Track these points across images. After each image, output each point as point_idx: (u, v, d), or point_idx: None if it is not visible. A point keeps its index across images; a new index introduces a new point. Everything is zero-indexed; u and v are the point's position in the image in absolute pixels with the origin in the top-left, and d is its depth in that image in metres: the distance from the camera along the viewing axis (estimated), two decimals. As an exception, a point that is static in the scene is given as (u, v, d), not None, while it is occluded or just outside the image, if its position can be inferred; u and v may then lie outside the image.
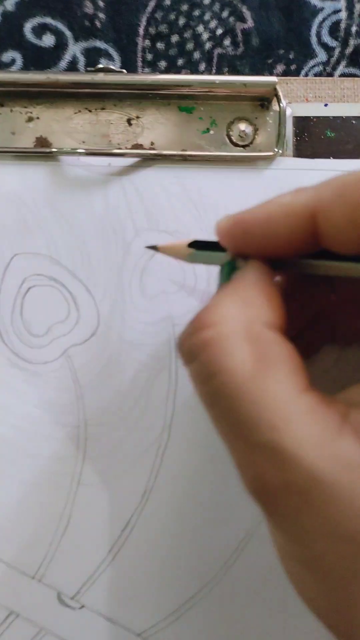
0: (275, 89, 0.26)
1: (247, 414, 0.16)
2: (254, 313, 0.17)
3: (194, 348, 0.17)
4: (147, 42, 0.29)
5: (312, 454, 0.15)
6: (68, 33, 0.29)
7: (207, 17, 0.28)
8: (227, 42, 0.29)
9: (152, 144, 0.27)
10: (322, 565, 0.16)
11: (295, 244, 0.18)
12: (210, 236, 0.24)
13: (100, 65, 0.27)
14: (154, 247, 0.23)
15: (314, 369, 0.25)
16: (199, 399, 0.18)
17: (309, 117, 0.27)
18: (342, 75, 0.29)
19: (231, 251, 0.19)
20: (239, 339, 0.17)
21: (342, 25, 0.29)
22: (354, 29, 0.29)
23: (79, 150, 0.27)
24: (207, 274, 0.27)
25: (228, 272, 0.19)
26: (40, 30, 0.28)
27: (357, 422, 0.16)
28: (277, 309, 0.18)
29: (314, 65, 0.29)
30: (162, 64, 0.29)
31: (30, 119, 0.27)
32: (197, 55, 0.29)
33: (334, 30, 0.29)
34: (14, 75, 0.27)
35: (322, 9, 0.29)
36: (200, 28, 0.29)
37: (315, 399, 0.16)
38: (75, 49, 0.29)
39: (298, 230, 0.18)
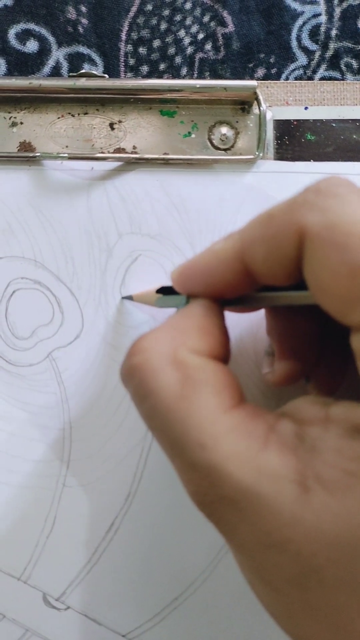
0: (255, 93, 0.26)
1: (177, 434, 0.17)
2: (181, 340, 0.19)
3: (128, 372, 0.19)
4: (130, 47, 0.29)
5: (239, 469, 0.16)
6: (51, 39, 0.29)
7: (188, 21, 0.29)
8: (208, 46, 0.29)
9: (134, 148, 0.27)
10: (265, 572, 0.16)
11: (234, 285, 0.19)
12: (193, 239, 0.25)
13: (83, 71, 0.27)
14: (129, 297, 0.26)
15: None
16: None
17: (290, 120, 0.28)
18: (322, 78, 0.29)
19: (184, 294, 0.21)
20: (165, 364, 0.18)
21: (322, 29, 0.29)
22: (333, 32, 0.29)
23: (62, 155, 0.27)
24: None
25: None
26: (23, 36, 0.29)
27: (284, 432, 0.17)
28: (210, 337, 0.19)
29: (295, 69, 0.29)
30: (144, 68, 0.29)
31: (13, 124, 0.27)
32: (178, 59, 0.29)
33: (314, 34, 0.29)
34: (-3, 80, 0.27)
35: (302, 12, 0.29)
36: (181, 33, 0.29)
37: (241, 416, 0.17)
38: (58, 55, 0.29)
39: (231, 273, 0.19)
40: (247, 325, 0.26)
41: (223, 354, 0.19)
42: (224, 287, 0.20)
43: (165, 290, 0.24)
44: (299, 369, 0.23)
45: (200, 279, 0.20)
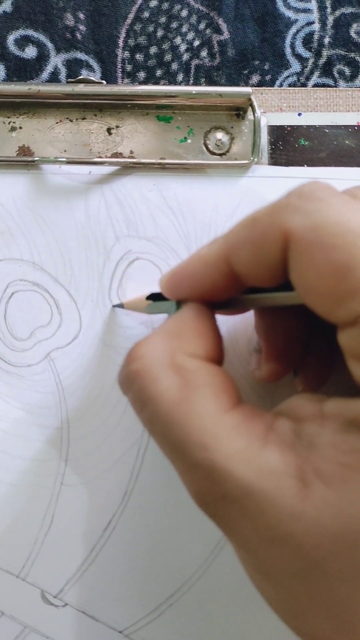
0: (250, 99, 0.27)
1: (178, 437, 0.17)
2: (177, 345, 0.19)
3: (127, 380, 0.19)
4: (127, 54, 0.29)
5: (240, 467, 0.16)
6: (50, 45, 0.29)
7: (184, 29, 0.29)
8: (204, 53, 0.29)
9: (131, 152, 0.28)
10: (268, 569, 0.17)
11: (221, 288, 0.20)
12: (189, 242, 0.25)
13: (81, 77, 0.28)
14: (120, 305, 0.27)
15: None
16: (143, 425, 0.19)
17: (284, 126, 0.28)
18: (316, 85, 0.30)
19: (173, 300, 0.22)
20: (163, 369, 0.18)
21: (316, 37, 0.30)
22: (326, 40, 0.30)
23: (60, 159, 0.27)
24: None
25: None
26: (22, 42, 0.29)
27: (282, 430, 0.17)
28: (204, 340, 0.19)
29: (289, 76, 0.30)
30: (141, 74, 0.29)
31: (12, 129, 0.28)
32: (175, 66, 0.29)
33: (307, 41, 0.30)
34: (-3, 86, 0.28)
35: (295, 20, 0.30)
36: (178, 40, 0.29)
37: (241, 415, 0.18)
38: (56, 61, 0.29)
39: (218, 276, 0.20)
40: (240, 324, 0.27)
41: (218, 356, 0.20)
42: (211, 291, 0.20)
43: (155, 297, 0.24)
44: (285, 365, 0.23)
45: (188, 283, 0.21)
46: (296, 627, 0.17)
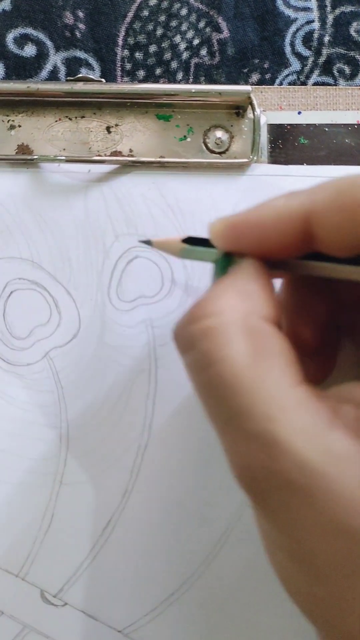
0: (249, 98, 0.27)
1: (242, 403, 0.16)
2: (252, 306, 0.17)
3: (192, 337, 0.17)
4: (126, 52, 0.29)
5: (305, 446, 0.15)
6: (49, 43, 0.29)
7: (184, 27, 0.29)
8: (203, 51, 0.29)
9: (130, 151, 0.28)
10: (312, 558, 0.15)
11: (288, 246, 0.18)
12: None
13: (80, 75, 0.28)
14: (147, 242, 0.23)
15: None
16: (194, 388, 0.18)
17: (283, 124, 0.28)
18: (315, 84, 0.29)
19: (226, 249, 0.20)
20: (238, 330, 0.17)
21: (315, 35, 0.30)
22: (326, 38, 0.30)
23: (59, 158, 0.27)
24: (185, 277, 0.27)
25: (224, 267, 0.20)
26: (22, 40, 0.29)
27: (347, 417, 0.16)
28: (274, 304, 0.18)
29: (288, 74, 0.29)
30: (141, 73, 0.29)
31: (12, 127, 0.28)
32: (174, 64, 0.29)
33: (307, 40, 0.30)
34: (-4, 84, 0.28)
35: (295, 19, 0.29)
36: (177, 38, 0.29)
37: (308, 393, 0.16)
38: (56, 59, 0.29)
39: (291, 233, 0.18)
40: None
41: (280, 320, 0.18)
42: (277, 247, 0.18)
43: (194, 241, 0.21)
44: (303, 348, 0.22)
45: (254, 234, 0.19)
46: (321, 618, 0.16)
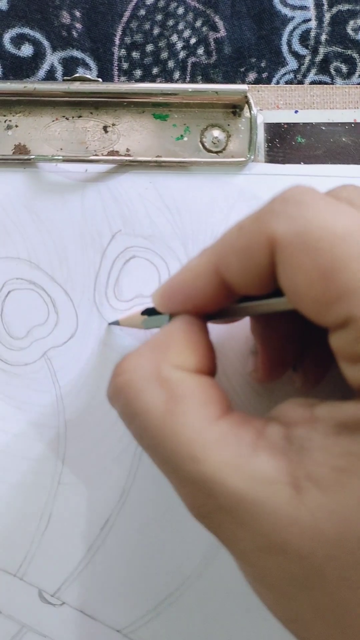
0: (246, 97, 0.27)
1: (167, 451, 0.17)
2: (162, 357, 0.19)
3: (114, 393, 0.19)
4: (123, 52, 0.29)
5: (232, 477, 0.16)
6: (46, 43, 0.29)
7: (181, 26, 0.29)
8: (200, 51, 0.29)
9: (127, 150, 0.28)
10: (267, 578, 0.16)
11: (213, 298, 0.20)
12: (185, 239, 0.25)
13: (77, 75, 0.28)
14: (115, 323, 0.27)
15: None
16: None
17: (280, 123, 0.28)
18: (312, 82, 0.29)
19: (166, 314, 0.22)
20: (148, 382, 0.18)
21: (312, 34, 0.30)
22: (323, 37, 0.30)
23: (56, 157, 0.27)
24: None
25: None
26: (18, 40, 0.29)
27: (273, 436, 0.17)
28: (193, 352, 0.19)
29: (285, 73, 0.29)
30: (138, 72, 0.29)
31: (8, 127, 0.28)
32: (171, 64, 0.29)
33: (304, 38, 0.29)
34: (-8, 84, 0.28)
35: (292, 18, 0.29)
36: (174, 37, 0.29)
37: (229, 424, 0.17)
38: (53, 59, 0.29)
39: (209, 287, 0.19)
40: (238, 325, 0.27)
41: (208, 367, 0.19)
42: (203, 302, 0.20)
43: (150, 312, 0.24)
44: (282, 366, 0.23)
45: (179, 297, 0.20)
46: (297, 632, 0.17)
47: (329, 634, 0.16)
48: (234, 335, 0.27)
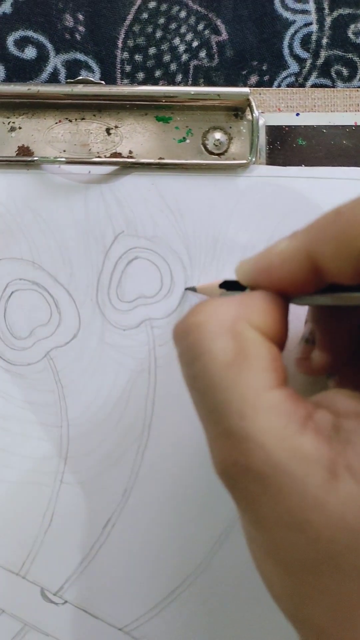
0: (248, 99, 0.27)
1: (219, 400, 0.17)
2: (243, 313, 0.19)
3: (184, 330, 0.19)
4: (126, 55, 0.30)
5: (274, 444, 0.16)
6: (49, 46, 0.29)
7: (183, 30, 0.30)
8: (202, 54, 0.30)
9: (130, 152, 0.28)
10: (279, 552, 0.16)
11: (301, 282, 0.19)
12: (187, 241, 0.25)
13: (80, 77, 0.28)
14: (192, 289, 0.27)
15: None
16: (184, 381, 0.19)
17: (282, 126, 0.28)
18: (314, 85, 0.30)
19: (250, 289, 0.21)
20: (224, 330, 0.18)
21: (314, 38, 0.30)
22: (324, 41, 0.30)
23: (59, 159, 0.27)
24: (184, 278, 0.28)
25: None
26: (22, 43, 0.29)
27: (321, 422, 0.17)
28: (271, 319, 0.19)
29: (287, 76, 0.30)
30: (140, 75, 0.30)
31: (12, 129, 0.28)
32: (173, 67, 0.30)
33: (305, 42, 0.30)
34: (-4, 87, 0.28)
35: (294, 21, 0.30)
36: (176, 41, 0.30)
37: (284, 396, 0.17)
38: (56, 61, 0.29)
39: (299, 272, 0.19)
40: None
41: (280, 339, 0.19)
42: (290, 285, 0.20)
43: (229, 285, 0.23)
44: (337, 360, 0.23)
45: (265, 276, 0.20)
46: (295, 615, 0.17)
47: (325, 619, 0.16)
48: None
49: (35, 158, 0.28)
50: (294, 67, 0.30)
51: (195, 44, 0.30)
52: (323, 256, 0.18)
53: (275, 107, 0.29)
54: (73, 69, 0.29)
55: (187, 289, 0.27)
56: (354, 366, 0.24)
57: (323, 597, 0.16)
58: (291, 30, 0.30)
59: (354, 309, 0.22)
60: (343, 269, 0.18)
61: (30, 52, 0.29)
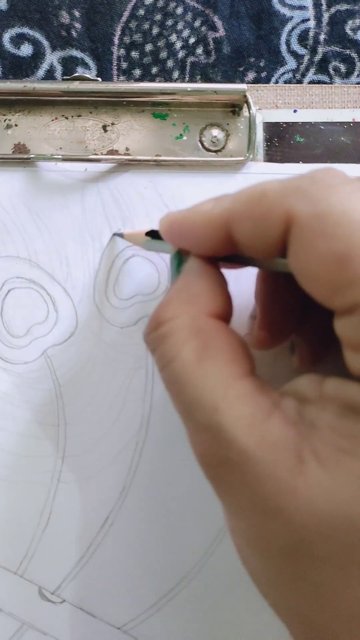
0: (245, 96, 0.27)
1: (191, 398, 0.18)
2: (199, 307, 0.20)
3: (153, 342, 0.20)
4: (122, 51, 0.29)
5: (244, 433, 0.17)
6: (45, 43, 0.29)
7: (180, 26, 0.29)
8: (199, 50, 0.29)
9: (127, 149, 0.28)
10: (258, 540, 0.17)
11: (220, 247, 0.20)
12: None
13: (77, 74, 0.28)
14: (120, 235, 0.27)
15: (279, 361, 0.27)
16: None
17: (279, 122, 0.28)
18: (311, 82, 0.30)
19: (172, 246, 0.22)
20: (186, 333, 0.19)
21: (311, 34, 0.30)
22: (322, 37, 0.30)
23: (56, 157, 0.27)
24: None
25: (177, 264, 0.22)
26: (18, 40, 0.29)
27: (287, 408, 0.18)
28: (218, 297, 0.20)
29: (284, 73, 0.30)
30: (137, 72, 0.29)
31: (8, 126, 0.28)
32: (170, 63, 0.29)
33: (303, 38, 0.30)
34: (-8, 84, 0.28)
35: (291, 17, 0.30)
36: (173, 37, 0.29)
37: (251, 385, 0.18)
38: (52, 58, 0.29)
39: (217, 237, 0.20)
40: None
41: (228, 311, 0.20)
42: (210, 247, 0.20)
43: (154, 234, 0.24)
44: (276, 336, 0.24)
45: (186, 234, 0.21)
46: (275, 601, 0.17)
47: (304, 605, 0.16)
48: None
49: (32, 155, 0.27)
50: (291, 63, 0.30)
51: (192, 40, 0.29)
52: (241, 230, 0.19)
53: (273, 103, 0.28)
54: (69, 66, 0.29)
55: (115, 234, 0.27)
56: (308, 341, 0.24)
57: (303, 585, 0.16)
58: (288, 26, 0.30)
59: (286, 284, 0.22)
60: (255, 247, 0.19)
61: (26, 49, 0.29)
